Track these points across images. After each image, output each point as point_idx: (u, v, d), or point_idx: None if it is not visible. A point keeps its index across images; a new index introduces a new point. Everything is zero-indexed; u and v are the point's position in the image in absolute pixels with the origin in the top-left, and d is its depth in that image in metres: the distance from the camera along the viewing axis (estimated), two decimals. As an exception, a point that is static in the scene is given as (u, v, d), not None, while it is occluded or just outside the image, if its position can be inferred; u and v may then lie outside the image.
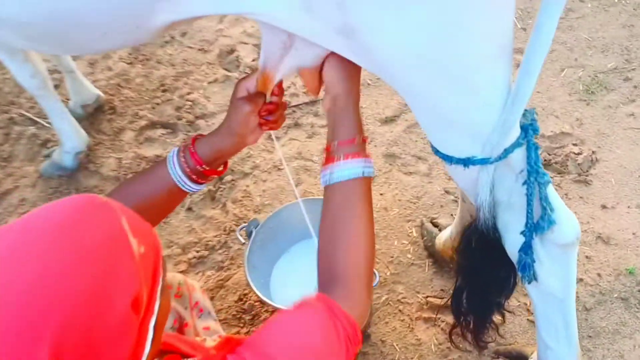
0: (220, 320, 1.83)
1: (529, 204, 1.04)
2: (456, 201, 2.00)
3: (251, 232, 1.61)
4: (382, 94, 2.40)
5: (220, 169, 1.21)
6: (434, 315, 1.75)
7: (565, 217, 1.08)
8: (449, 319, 1.74)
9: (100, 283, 0.70)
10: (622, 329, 1.65)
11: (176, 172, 1.11)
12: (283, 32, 1.00)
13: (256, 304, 1.86)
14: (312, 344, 0.86)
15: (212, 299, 1.90)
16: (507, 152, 0.99)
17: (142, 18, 0.97)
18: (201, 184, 1.16)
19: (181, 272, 1.98)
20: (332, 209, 1.03)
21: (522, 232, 1.09)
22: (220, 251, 2.02)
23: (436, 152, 1.07)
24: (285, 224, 1.70)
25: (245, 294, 1.90)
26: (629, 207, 1.91)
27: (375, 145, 2.23)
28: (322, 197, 1.68)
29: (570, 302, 1.24)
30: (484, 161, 1.00)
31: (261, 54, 1.09)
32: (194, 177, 1.13)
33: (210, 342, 1.45)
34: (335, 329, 0.87)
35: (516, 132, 0.98)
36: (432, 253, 1.85)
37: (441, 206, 2.01)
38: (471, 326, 1.37)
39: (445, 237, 1.76)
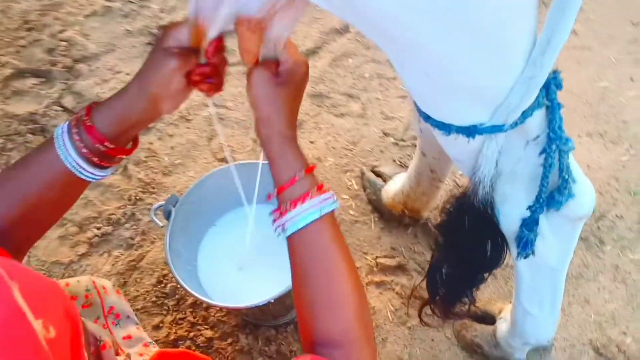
0: (138, 310, 1.55)
1: (546, 175, 0.82)
2: (397, 144, 1.79)
3: (170, 212, 1.30)
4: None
5: (130, 146, 0.89)
6: (387, 278, 1.56)
7: (584, 189, 0.88)
8: (403, 280, 1.56)
9: None
10: (585, 272, 1.55)
11: (69, 156, 0.80)
12: None
13: (179, 285, 1.57)
14: None
15: (124, 284, 1.60)
16: (525, 116, 0.76)
17: None
18: (106, 167, 0.85)
19: (81, 255, 1.64)
20: (299, 264, 0.81)
21: (529, 207, 0.88)
22: (127, 225, 1.69)
23: (427, 118, 0.82)
24: (208, 197, 1.40)
25: (164, 275, 1.60)
26: (579, 135, 1.78)
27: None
28: (251, 161, 1.43)
29: (563, 270, 1.08)
30: (495, 129, 0.76)
31: (190, 1, 0.76)
32: (94, 159, 0.82)
33: (137, 357, 1.18)
34: None
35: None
36: (378, 207, 1.64)
37: (381, 151, 1.78)
38: (445, 302, 1.18)
39: (394, 190, 1.54)
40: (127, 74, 1.98)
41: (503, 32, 0.65)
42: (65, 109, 1.91)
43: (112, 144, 0.82)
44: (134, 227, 1.69)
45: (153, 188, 1.75)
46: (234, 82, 1.94)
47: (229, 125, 1.85)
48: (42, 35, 2.05)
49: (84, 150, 0.80)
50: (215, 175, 1.38)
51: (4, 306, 0.46)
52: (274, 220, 0.82)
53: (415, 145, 1.73)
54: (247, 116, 1.88)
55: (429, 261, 1.16)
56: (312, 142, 1.80)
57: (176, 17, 2.09)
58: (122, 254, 1.65)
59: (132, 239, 1.67)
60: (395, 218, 1.61)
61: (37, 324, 0.48)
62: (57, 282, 1.00)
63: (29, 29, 2.07)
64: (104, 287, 1.20)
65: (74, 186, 0.85)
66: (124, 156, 0.87)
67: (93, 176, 0.84)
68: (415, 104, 0.84)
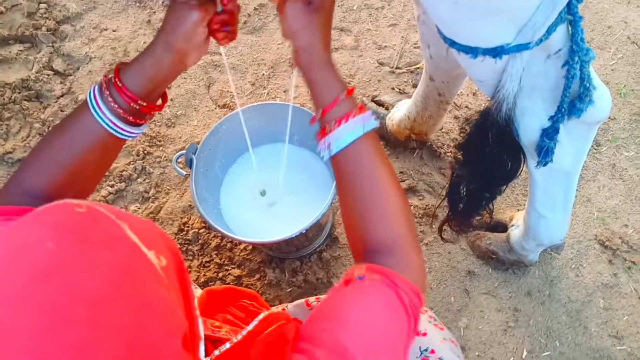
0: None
1: (568, 86, 0.87)
2: (393, 72, 1.82)
3: (191, 160, 1.33)
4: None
5: (159, 102, 0.92)
6: (400, 201, 1.63)
7: (602, 94, 0.93)
8: (415, 201, 1.63)
9: (136, 337, 0.46)
10: (585, 173, 1.64)
11: (105, 118, 0.83)
12: None
13: (201, 230, 1.63)
14: (385, 329, 0.71)
15: (146, 236, 1.64)
16: (549, 32, 0.80)
17: None
18: (141, 124, 0.88)
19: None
20: (346, 179, 0.85)
21: (551, 117, 0.94)
22: (139, 180, 1.72)
23: (452, 44, 0.85)
24: (223, 142, 1.43)
25: (184, 223, 1.65)
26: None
27: (289, 23, 1.94)
28: (259, 103, 1.46)
29: (577, 173, 1.15)
30: (521, 47, 0.80)
31: None
32: (129, 118, 0.85)
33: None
34: (401, 301, 0.73)
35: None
36: (383, 135, 1.68)
37: (379, 80, 1.81)
38: (465, 216, 1.25)
39: (399, 116, 1.59)
40: (114, 31, 1.96)
41: None
42: (57, 72, 1.89)
43: (144, 102, 0.85)
44: (147, 180, 1.72)
45: (159, 141, 1.77)
46: (224, 27, 1.94)
47: (225, 71, 1.86)
48: (20, 0, 2.00)
49: (119, 110, 0.83)
50: (228, 121, 1.41)
51: (122, 242, 0.51)
52: (318, 141, 0.85)
53: (411, 72, 1.78)
54: (242, 60, 1.88)
55: (446, 184, 1.21)
56: (310, 79, 1.82)
57: (154, -33, 2.05)
58: (139, 208, 1.69)
59: (147, 192, 1.70)
60: (401, 144, 1.66)
61: (151, 254, 0.52)
62: (151, 221, 1.05)
63: (6, -6, 2.02)
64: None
65: (112, 146, 0.88)
66: (156, 111, 0.90)
67: (129, 134, 0.87)
68: (438, 30, 0.87)
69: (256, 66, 1.87)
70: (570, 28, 0.83)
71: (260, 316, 0.86)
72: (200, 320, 0.59)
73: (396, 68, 1.82)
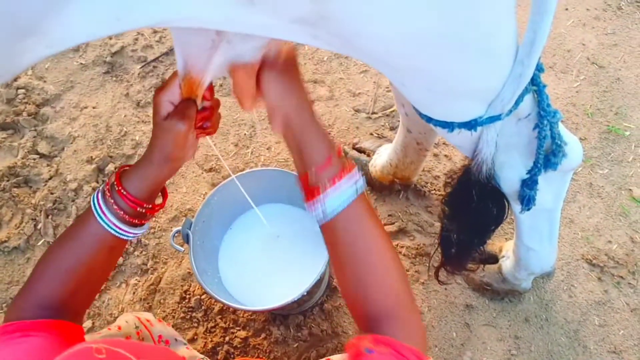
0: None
1: (540, 146, 0.94)
2: (370, 117, 1.88)
3: (187, 235, 1.37)
4: None
5: (160, 201, 0.97)
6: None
7: (574, 146, 1.00)
8: (407, 242, 1.69)
9: None
10: (565, 195, 1.70)
11: (110, 223, 0.88)
12: (210, 31, 0.75)
13: (203, 296, 1.66)
14: None
15: (149, 308, 1.67)
16: (517, 103, 0.86)
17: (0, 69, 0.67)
18: (144, 224, 0.94)
19: (100, 291, 1.70)
20: (342, 245, 0.85)
21: (529, 171, 1.00)
22: (136, 253, 1.75)
23: (428, 120, 0.91)
24: (215, 212, 1.48)
25: (185, 290, 1.68)
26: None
27: (263, 81, 2.00)
28: (249, 170, 1.51)
29: (558, 209, 1.21)
30: (493, 119, 0.86)
31: (178, 58, 0.82)
32: (135, 221, 0.91)
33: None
34: None
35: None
36: (367, 181, 1.74)
37: (357, 127, 1.87)
38: (459, 260, 1.30)
39: (381, 163, 1.64)
40: (94, 108, 2.00)
41: (492, 42, 0.73)
42: (42, 155, 1.92)
43: (148, 204, 0.90)
44: (143, 253, 1.75)
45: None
46: (201, 92, 1.99)
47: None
48: (-3, 87, 2.04)
49: (124, 215, 0.88)
50: (218, 192, 1.46)
51: None
52: (310, 205, 0.84)
53: (387, 115, 1.85)
54: (223, 123, 1.93)
55: (439, 232, 1.27)
56: (290, 134, 1.88)
57: (125, 40, 2.10)
58: (139, 281, 1.72)
59: (145, 264, 1.74)
60: (385, 188, 1.72)
61: None
62: (168, 344, 1.09)
63: (-19, 85, 2.06)
64: (147, 320, 1.28)
65: (117, 247, 0.93)
66: (159, 210, 0.96)
67: (134, 235, 0.92)
68: (414, 108, 0.93)
69: (237, 127, 1.92)
70: (536, 96, 0.89)
71: None
72: None
73: (372, 113, 1.88)
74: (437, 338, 1.56)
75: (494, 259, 1.59)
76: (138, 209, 0.89)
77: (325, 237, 0.87)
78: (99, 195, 0.89)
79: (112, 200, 0.88)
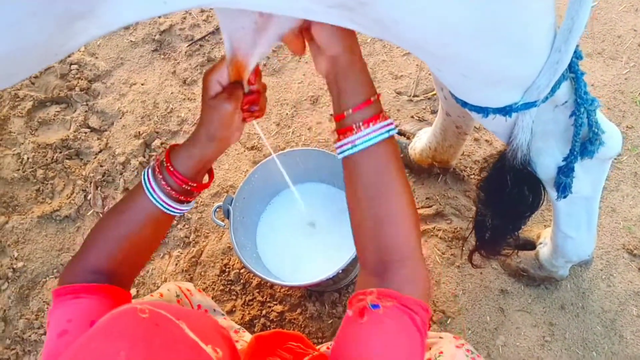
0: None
1: (577, 133, 0.93)
2: (411, 100, 1.89)
3: (228, 211, 1.42)
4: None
5: (207, 180, 1.01)
6: (429, 227, 1.70)
7: (612, 134, 0.99)
8: (444, 225, 1.69)
9: None
10: (608, 184, 1.68)
11: (159, 199, 0.93)
12: (253, 13, 0.77)
13: (242, 271, 1.71)
14: (403, 356, 0.77)
15: (191, 279, 1.74)
16: (553, 90, 0.86)
17: (56, 48, 0.72)
18: (190, 201, 0.98)
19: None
20: (363, 180, 0.86)
21: (565, 159, 1.00)
22: (179, 226, 1.82)
23: (464, 104, 0.92)
24: (256, 189, 1.52)
25: (225, 264, 1.74)
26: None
27: (307, 62, 2.01)
28: (289, 149, 1.55)
29: (597, 197, 1.20)
30: (528, 106, 0.87)
31: (225, 41, 0.85)
32: (181, 198, 0.94)
33: (235, 345, 1.32)
34: (415, 326, 0.78)
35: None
36: (407, 164, 1.75)
37: (398, 110, 1.88)
38: (493, 245, 1.31)
39: (421, 146, 1.65)
40: (142, 84, 2.07)
41: (529, 33, 0.74)
42: (93, 129, 2.00)
43: (194, 182, 0.94)
44: (186, 226, 1.81)
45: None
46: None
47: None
48: (52, 63, 2.12)
49: (171, 191, 0.92)
50: (259, 170, 1.50)
51: (183, 343, 0.59)
52: (340, 139, 0.86)
53: (429, 99, 1.84)
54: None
55: (473, 212, 1.27)
56: (331, 115, 1.90)
57: (173, 19, 2.15)
58: (181, 253, 1.78)
59: (187, 237, 1.80)
60: (424, 170, 1.73)
61: (208, 349, 0.60)
62: (206, 312, 1.15)
63: (38, 60, 2.14)
64: (188, 290, 1.34)
65: (164, 222, 0.98)
66: (204, 189, 1.00)
67: (180, 211, 0.96)
68: (450, 92, 0.94)
69: (279, 107, 1.96)
70: (573, 83, 0.89)
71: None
72: None
73: (414, 96, 1.89)
74: (471, 321, 1.57)
75: (531, 245, 1.59)
76: (184, 186, 0.93)
77: (345, 172, 0.88)
78: (149, 171, 0.93)
79: (161, 176, 0.92)
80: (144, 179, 0.93)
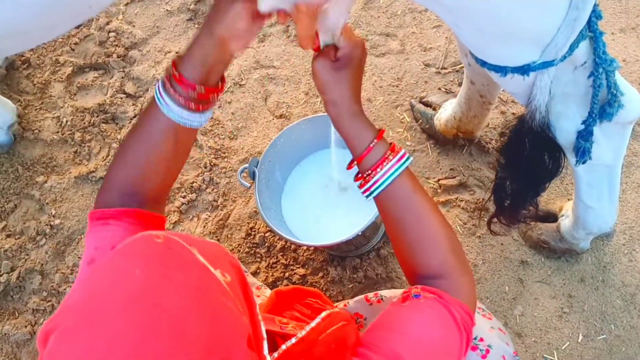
0: (235, 262, 1.74)
1: (596, 94, 0.94)
2: (439, 72, 1.90)
3: (254, 173, 1.47)
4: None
5: (219, 85, 0.97)
6: (452, 197, 1.71)
7: (632, 97, 0.99)
8: (466, 196, 1.71)
9: (211, 342, 0.58)
10: (635, 160, 1.67)
11: (171, 110, 0.89)
12: None
13: (267, 234, 1.76)
14: (438, 342, 0.82)
15: (217, 241, 1.79)
16: (572, 49, 0.87)
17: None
18: (206, 110, 0.94)
19: (174, 222, 1.84)
20: (391, 216, 0.94)
21: (584, 122, 1.00)
22: (208, 190, 1.87)
23: (483, 64, 0.93)
24: (281, 153, 1.56)
25: (251, 227, 1.79)
26: (612, 33, 1.85)
27: (337, 33, 2.04)
28: (314, 115, 1.58)
29: (618, 165, 1.20)
30: (546, 65, 0.88)
31: None
32: (192, 106, 0.90)
33: (256, 300, 1.37)
34: (453, 319, 0.83)
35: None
36: (432, 134, 1.77)
37: (425, 82, 1.89)
38: (512, 212, 1.32)
39: (446, 117, 1.66)
40: (177, 53, 2.12)
41: None
42: (129, 95, 2.07)
43: (202, 87, 0.89)
44: (215, 190, 1.87)
45: (224, 153, 1.92)
46: (277, 41, 2.06)
47: (280, 83, 1.99)
48: (91, 30, 2.19)
49: (181, 99, 0.88)
50: (285, 134, 1.54)
51: (194, 265, 0.63)
52: (360, 186, 0.95)
53: (457, 71, 1.85)
54: (295, 72, 2.01)
55: (493, 179, 1.29)
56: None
57: (208, -11, 2.20)
58: (209, 216, 1.84)
59: (216, 201, 1.85)
60: (450, 141, 1.74)
61: (217, 273, 0.65)
62: (217, 243, 1.20)
63: (78, 26, 2.21)
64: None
65: (183, 136, 0.94)
66: (217, 95, 0.94)
67: (199, 122, 0.93)
68: (470, 52, 0.96)
69: (309, 76, 1.99)
70: (592, 43, 0.89)
71: (323, 314, 0.97)
72: (262, 324, 0.71)
73: (442, 68, 1.89)
74: (490, 290, 1.59)
75: (553, 217, 1.59)
76: (192, 91, 0.88)
77: (378, 208, 0.97)
78: (160, 84, 0.90)
79: (169, 85, 0.88)
80: (156, 92, 0.90)
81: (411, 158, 0.94)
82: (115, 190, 0.93)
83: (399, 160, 0.92)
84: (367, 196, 0.94)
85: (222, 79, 0.96)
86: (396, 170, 0.91)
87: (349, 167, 1.01)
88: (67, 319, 0.57)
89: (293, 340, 0.90)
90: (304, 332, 0.92)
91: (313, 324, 0.94)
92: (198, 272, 0.62)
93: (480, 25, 0.83)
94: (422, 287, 0.87)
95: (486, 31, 0.85)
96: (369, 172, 0.92)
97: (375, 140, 0.92)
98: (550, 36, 0.84)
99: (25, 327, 1.75)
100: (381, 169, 0.91)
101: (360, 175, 0.95)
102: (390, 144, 0.94)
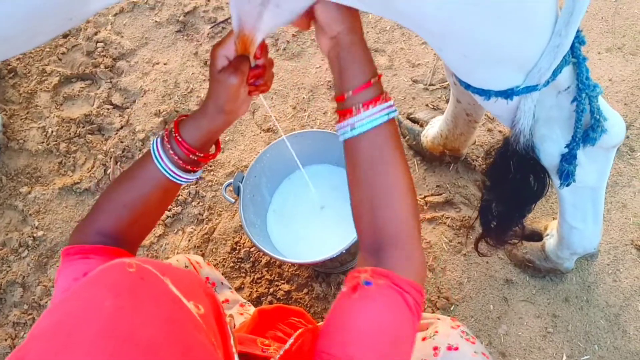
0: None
1: (579, 119, 0.94)
2: (427, 89, 1.90)
3: (239, 188, 1.46)
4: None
5: (213, 151, 1.05)
6: (437, 214, 1.71)
7: (615, 122, 1.00)
8: (452, 213, 1.71)
9: None
10: (620, 179, 1.67)
11: (167, 168, 0.96)
12: None
13: (252, 249, 1.75)
14: (393, 334, 0.78)
15: (202, 255, 1.78)
16: (555, 74, 0.87)
17: (76, 8, 0.76)
18: (197, 170, 1.01)
19: (159, 236, 1.82)
20: (361, 163, 0.88)
21: (567, 145, 1.01)
22: (194, 204, 1.86)
23: (467, 87, 0.93)
24: (267, 169, 1.56)
25: (237, 242, 1.78)
26: (599, 52, 1.86)
27: (325, 47, 2.04)
28: (301, 131, 1.57)
29: (602, 187, 1.20)
30: (529, 89, 0.88)
31: (233, 15, 0.88)
32: (188, 167, 0.98)
33: (239, 318, 1.35)
34: (406, 303, 0.79)
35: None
36: (419, 151, 1.77)
37: (413, 98, 1.89)
38: (498, 233, 1.32)
39: (432, 134, 1.67)
40: (165, 64, 2.11)
41: (528, 12, 0.75)
42: (116, 106, 2.06)
43: (201, 153, 0.97)
44: (200, 204, 1.86)
45: (210, 166, 1.91)
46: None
47: (268, 96, 1.98)
48: (79, 40, 2.18)
49: (179, 161, 0.96)
50: (271, 149, 1.53)
51: (166, 297, 0.62)
52: (341, 121, 0.88)
53: (444, 88, 1.85)
54: (283, 86, 2.00)
55: (479, 200, 1.28)
56: (347, 100, 1.92)
57: (198, 1, 2.19)
58: (194, 229, 1.83)
59: (201, 214, 1.84)
60: (436, 158, 1.74)
61: (191, 305, 0.63)
62: (192, 271, 1.18)
63: (66, 36, 2.20)
64: (197, 262, 1.38)
65: (171, 190, 1.01)
66: (211, 159, 1.02)
67: (186, 180, 0.99)
68: (455, 77, 0.96)
69: (296, 90, 1.98)
70: (575, 68, 0.90)
71: (296, 333, 0.95)
72: (237, 357, 0.69)
73: (430, 85, 1.90)
74: (474, 309, 1.59)
75: (538, 236, 1.59)
76: (191, 156, 0.96)
77: (346, 154, 0.90)
78: (158, 140, 0.96)
79: (169, 146, 0.95)
80: (153, 148, 0.96)
81: (397, 112, 0.88)
82: (96, 230, 0.94)
83: (389, 106, 0.87)
84: (344, 133, 0.88)
85: (218, 145, 1.06)
86: (390, 113, 0.86)
87: (341, 98, 0.90)
88: (33, 349, 0.56)
89: None
90: (278, 356, 0.90)
91: (286, 346, 0.92)
92: (170, 304, 0.61)
93: (464, 50, 0.83)
94: (372, 271, 0.80)
95: (470, 56, 0.85)
96: (360, 106, 0.86)
97: (377, 78, 0.88)
98: (533, 61, 0.85)
99: (6, 340, 1.72)
100: (373, 107, 0.85)
101: (345, 109, 0.88)
102: (385, 91, 0.90)
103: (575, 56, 0.88)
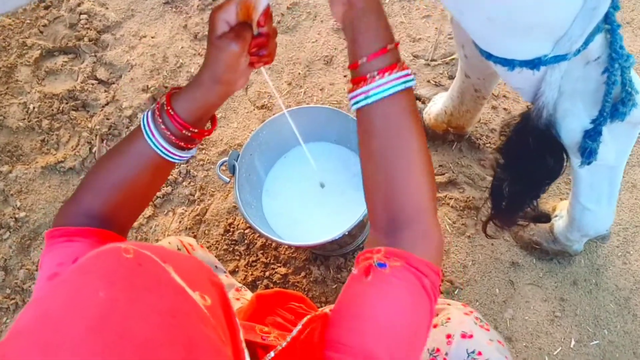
0: (213, 259, 1.65)
1: (609, 92, 0.86)
2: (428, 64, 1.82)
3: (234, 166, 1.37)
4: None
5: (209, 127, 0.96)
6: (440, 195, 1.64)
7: None
8: (456, 194, 1.64)
9: None
10: (630, 159, 1.60)
11: (158, 144, 0.87)
12: None
13: (247, 231, 1.67)
14: (410, 321, 0.72)
15: (194, 237, 1.70)
16: (587, 42, 0.79)
17: None
18: (191, 148, 0.92)
19: (148, 217, 1.74)
20: (375, 134, 0.80)
21: (593, 120, 0.93)
22: (184, 183, 1.78)
23: (488, 56, 0.85)
24: (263, 147, 1.47)
25: (230, 224, 1.70)
26: (607, 28, 1.79)
27: (322, 21, 1.94)
28: (301, 106, 1.49)
29: (621, 166, 1.13)
30: (559, 59, 0.80)
31: None
32: (180, 143, 0.89)
33: (236, 303, 1.28)
34: (423, 287, 0.73)
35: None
36: (421, 129, 1.69)
37: (414, 74, 1.80)
38: (509, 214, 1.25)
39: (436, 111, 1.59)
40: (152, 37, 2.01)
41: None
42: (101, 81, 1.95)
43: (195, 128, 0.88)
44: (192, 184, 1.77)
45: (202, 145, 1.82)
46: (258, 28, 1.97)
47: (261, 72, 1.89)
48: (61, 12, 2.06)
49: (171, 136, 0.87)
50: (267, 126, 1.45)
51: (168, 286, 0.54)
52: (354, 89, 0.81)
53: (447, 63, 1.77)
54: (277, 61, 1.91)
55: (490, 180, 1.21)
56: (345, 76, 1.84)
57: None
58: (185, 211, 1.75)
59: (192, 195, 1.76)
60: (439, 137, 1.67)
61: (195, 296, 0.55)
62: (196, 257, 1.09)
63: (47, 7, 2.09)
64: (190, 244, 1.30)
65: (162, 169, 0.92)
66: (206, 135, 0.93)
67: (180, 158, 0.90)
68: (473, 42, 0.88)
69: (292, 66, 1.89)
70: (608, 36, 0.82)
71: (303, 320, 0.88)
72: (246, 353, 0.62)
73: (431, 60, 1.82)
74: (479, 293, 1.53)
75: (546, 217, 1.53)
76: (184, 131, 0.87)
77: (359, 124, 0.83)
78: (149, 114, 0.88)
79: (161, 120, 0.86)
80: (144, 122, 0.87)
81: (415, 81, 0.82)
82: (82, 212, 0.87)
83: (406, 75, 0.80)
84: (358, 102, 0.81)
85: (214, 121, 0.96)
86: (407, 81, 0.79)
87: (350, 67, 0.84)
88: (15, 346, 0.48)
89: (272, 354, 0.81)
90: (284, 344, 0.83)
91: (293, 333, 0.85)
92: (172, 295, 0.53)
93: (488, 12, 0.75)
94: (386, 251, 0.74)
95: (495, 19, 0.76)
96: (375, 74, 0.79)
97: (392, 44, 0.81)
98: (564, 28, 0.77)
99: (-13, 326, 1.64)
100: (389, 74, 0.78)
101: (359, 76, 0.81)
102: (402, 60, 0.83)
103: (609, 22, 0.81)
